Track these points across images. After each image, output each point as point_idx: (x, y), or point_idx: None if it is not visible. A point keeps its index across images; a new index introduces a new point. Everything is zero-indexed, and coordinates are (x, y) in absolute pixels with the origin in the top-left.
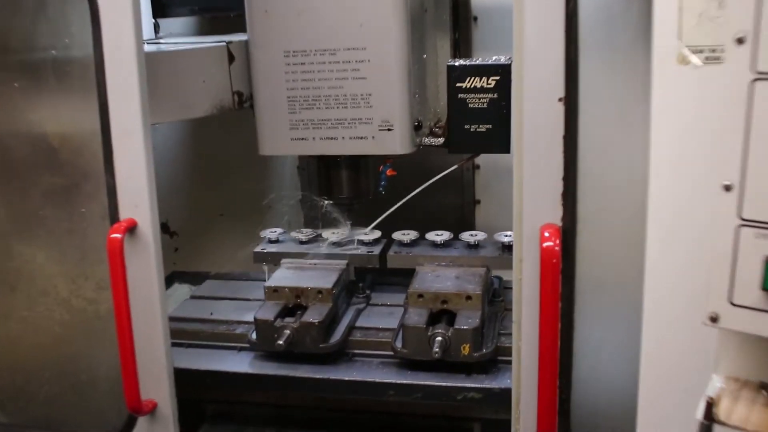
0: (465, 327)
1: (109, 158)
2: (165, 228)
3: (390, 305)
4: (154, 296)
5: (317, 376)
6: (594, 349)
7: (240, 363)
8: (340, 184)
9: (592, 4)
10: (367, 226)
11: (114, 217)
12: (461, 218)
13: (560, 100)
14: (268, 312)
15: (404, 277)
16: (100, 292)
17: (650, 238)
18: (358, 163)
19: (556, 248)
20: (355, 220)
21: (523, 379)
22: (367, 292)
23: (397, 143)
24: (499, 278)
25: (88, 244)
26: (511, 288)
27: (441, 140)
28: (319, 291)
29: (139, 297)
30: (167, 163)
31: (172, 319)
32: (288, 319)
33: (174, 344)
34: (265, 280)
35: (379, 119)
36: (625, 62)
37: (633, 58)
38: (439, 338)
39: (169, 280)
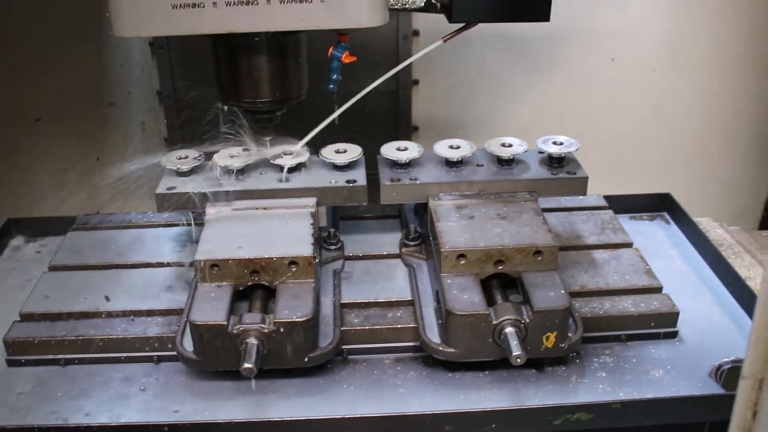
0: (550, 307)
1: None
2: None
3: (377, 256)
4: None
5: (310, 415)
6: None
7: (159, 397)
8: (257, 81)
9: None
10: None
11: None
12: (395, 108)
13: None
14: (212, 307)
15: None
16: None
17: None
18: (285, 43)
19: None
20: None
21: None
22: (339, 237)
23: (363, 8)
24: None
25: None
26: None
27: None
28: (293, 261)
29: None
30: None
31: (27, 317)
32: (250, 318)
33: (37, 362)
34: (161, 226)
35: None
36: None
37: None
38: (512, 329)
39: (3, 235)
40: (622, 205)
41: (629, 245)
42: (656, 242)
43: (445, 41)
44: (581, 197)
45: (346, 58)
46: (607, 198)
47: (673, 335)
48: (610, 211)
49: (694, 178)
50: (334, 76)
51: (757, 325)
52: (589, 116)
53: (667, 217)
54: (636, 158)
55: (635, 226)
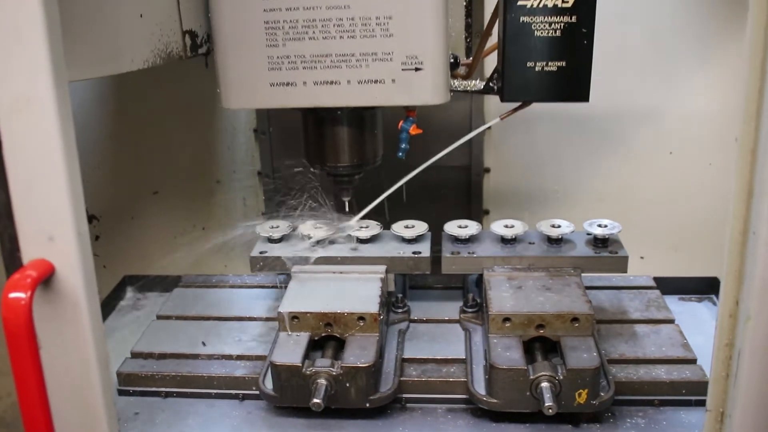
0: (581, 367)
1: None
2: None
3: (439, 321)
4: (91, 385)
5: None
6: None
7: (241, 428)
8: (339, 147)
9: None
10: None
11: (12, 261)
12: (466, 192)
13: None
14: (291, 352)
15: (448, 276)
16: None
17: None
18: (363, 117)
19: None
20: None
21: None
22: (406, 302)
23: (428, 89)
24: None
25: None
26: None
27: (474, 82)
28: (361, 317)
29: (64, 387)
30: (80, 127)
31: (136, 355)
32: (321, 362)
33: (142, 393)
34: (253, 287)
35: (403, 54)
36: None
37: None
38: (547, 384)
39: (120, 289)
40: (674, 286)
41: (671, 321)
42: (701, 321)
43: (502, 119)
44: (632, 278)
45: (414, 130)
46: (658, 280)
47: (704, 403)
48: (657, 291)
49: None
50: (403, 146)
51: (715, 366)
52: (648, 204)
53: (715, 299)
54: (692, 244)
55: (684, 306)
